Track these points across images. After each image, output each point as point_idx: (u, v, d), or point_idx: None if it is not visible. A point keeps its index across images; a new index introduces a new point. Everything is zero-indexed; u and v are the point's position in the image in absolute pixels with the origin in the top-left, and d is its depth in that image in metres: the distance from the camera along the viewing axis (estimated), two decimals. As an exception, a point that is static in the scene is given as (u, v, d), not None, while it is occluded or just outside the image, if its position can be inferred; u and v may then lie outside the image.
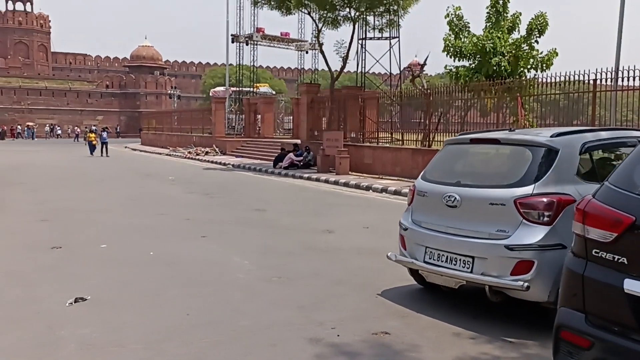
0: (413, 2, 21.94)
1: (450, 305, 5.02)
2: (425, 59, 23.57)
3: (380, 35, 29.18)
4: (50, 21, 79.31)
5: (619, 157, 4.70)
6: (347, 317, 4.71)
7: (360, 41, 30.11)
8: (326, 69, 23.78)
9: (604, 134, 4.91)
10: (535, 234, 4.23)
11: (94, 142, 30.79)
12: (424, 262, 4.86)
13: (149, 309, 4.93)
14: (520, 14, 16.85)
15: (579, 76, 13.15)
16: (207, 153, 30.42)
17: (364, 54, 31.14)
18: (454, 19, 16.98)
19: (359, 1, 20.71)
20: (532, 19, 16.38)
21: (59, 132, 63.67)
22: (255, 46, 37.27)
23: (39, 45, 77.44)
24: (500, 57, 16.14)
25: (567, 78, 13.54)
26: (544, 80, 14.51)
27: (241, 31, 36.17)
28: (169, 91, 67.72)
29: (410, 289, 5.47)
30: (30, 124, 62.45)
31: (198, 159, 28.14)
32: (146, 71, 72.91)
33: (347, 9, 21.48)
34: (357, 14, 21.77)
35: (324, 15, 21.75)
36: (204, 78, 73.21)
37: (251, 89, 39.60)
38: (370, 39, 30.39)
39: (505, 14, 16.96)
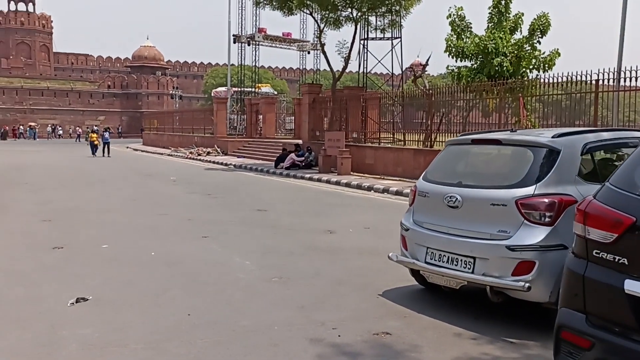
0: (415, 3, 21.94)
1: (451, 305, 5.02)
2: (427, 60, 23.64)
3: (382, 36, 29.15)
4: (52, 21, 79.31)
5: (621, 157, 4.69)
6: (348, 317, 4.72)
7: (362, 41, 30.06)
8: (328, 69, 23.74)
9: (605, 135, 4.90)
10: (536, 235, 4.23)
11: (95, 142, 30.87)
12: (425, 263, 4.86)
13: (150, 309, 4.94)
14: (523, 14, 16.85)
15: (581, 76, 13.14)
16: (208, 153, 30.42)
17: (365, 54, 31.11)
18: (456, 19, 16.97)
19: (361, 1, 20.69)
20: (535, 19, 16.38)
21: (61, 132, 63.76)
22: (257, 46, 37.32)
23: (41, 45, 77.47)
24: (503, 57, 16.14)
25: (569, 78, 13.53)
26: (546, 80, 14.50)
27: (243, 31, 36.23)
28: (171, 91, 67.77)
29: (411, 289, 5.47)
30: (32, 124, 62.51)
31: (200, 159, 28.14)
32: (148, 71, 72.90)
33: (349, 10, 21.46)
34: (359, 14, 21.77)
35: (326, 15, 21.72)
36: (206, 78, 73.36)
37: (253, 89, 39.66)
38: (372, 39, 30.33)
39: (507, 15, 16.94)
